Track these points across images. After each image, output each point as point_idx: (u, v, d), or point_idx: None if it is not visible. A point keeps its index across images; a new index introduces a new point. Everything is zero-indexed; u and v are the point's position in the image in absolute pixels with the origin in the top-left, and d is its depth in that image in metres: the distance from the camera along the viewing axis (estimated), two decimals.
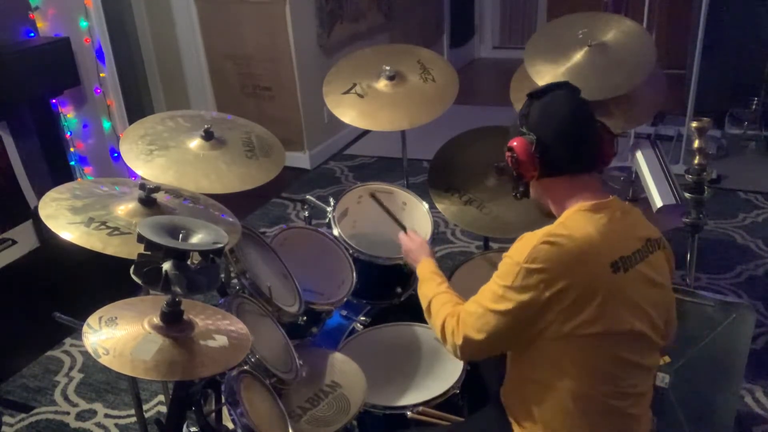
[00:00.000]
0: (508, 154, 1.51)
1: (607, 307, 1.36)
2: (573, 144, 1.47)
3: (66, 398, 2.65)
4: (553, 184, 1.50)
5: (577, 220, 1.42)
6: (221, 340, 1.33)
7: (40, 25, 3.43)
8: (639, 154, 2.44)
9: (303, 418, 1.68)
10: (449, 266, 2.47)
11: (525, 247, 1.39)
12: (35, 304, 2.72)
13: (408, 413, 1.80)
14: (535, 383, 1.46)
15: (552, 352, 1.40)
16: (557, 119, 1.47)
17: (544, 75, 2.40)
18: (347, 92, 2.54)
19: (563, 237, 1.37)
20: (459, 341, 1.46)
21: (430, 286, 1.67)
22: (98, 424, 2.51)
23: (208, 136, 1.92)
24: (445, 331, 1.51)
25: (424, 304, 1.64)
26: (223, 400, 1.44)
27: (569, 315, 1.36)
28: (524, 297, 1.37)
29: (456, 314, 1.50)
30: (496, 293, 1.41)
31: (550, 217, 1.53)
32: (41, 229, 3.25)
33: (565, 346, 1.39)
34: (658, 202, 2.19)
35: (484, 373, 1.92)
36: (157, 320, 1.29)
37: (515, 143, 1.48)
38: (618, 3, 5.29)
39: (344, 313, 2.26)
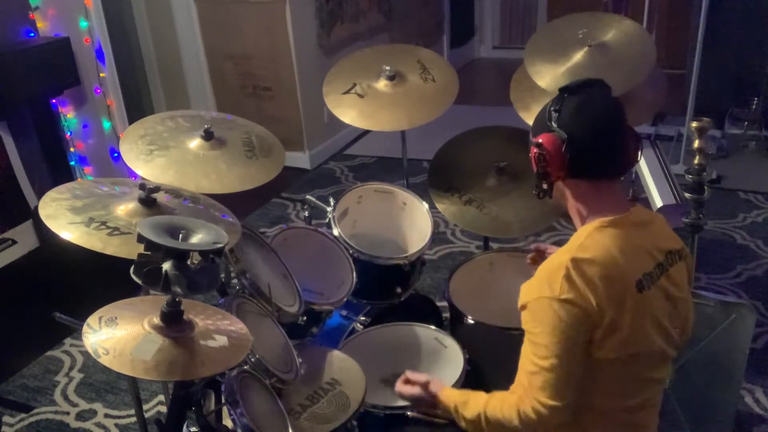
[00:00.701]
0: (535, 150, 1.42)
1: (636, 328, 1.33)
2: (606, 147, 1.39)
3: (66, 398, 2.65)
4: (578, 187, 1.42)
5: (597, 239, 1.36)
6: (221, 340, 1.33)
7: (40, 25, 3.43)
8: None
9: (302, 415, 1.68)
10: (449, 266, 2.47)
11: (551, 278, 1.31)
12: (35, 304, 2.72)
13: (408, 413, 1.80)
14: None
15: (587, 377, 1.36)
16: (592, 118, 1.39)
17: (544, 75, 2.40)
18: (347, 92, 2.54)
19: (587, 262, 1.32)
20: (547, 417, 1.33)
21: (469, 407, 1.49)
22: (98, 424, 2.51)
23: (208, 136, 1.92)
24: (522, 419, 1.36)
25: (478, 427, 1.47)
26: (223, 400, 1.44)
27: (604, 338, 1.31)
28: (571, 334, 1.30)
29: (522, 398, 1.36)
30: (542, 345, 1.32)
31: (566, 218, 1.50)
32: (41, 229, 3.25)
33: (591, 369, 1.35)
34: (658, 202, 2.20)
35: (486, 373, 1.92)
36: (157, 320, 1.28)
37: (544, 139, 1.39)
38: (618, 3, 5.30)
39: (344, 313, 2.26)
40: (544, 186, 1.46)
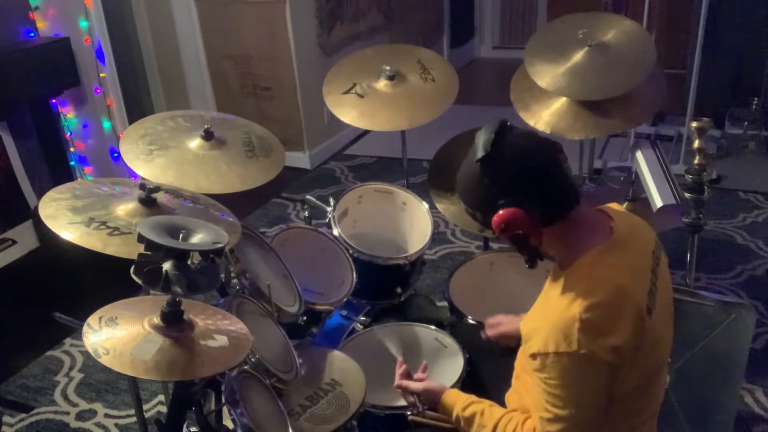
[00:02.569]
0: (504, 235, 1.32)
1: (652, 351, 1.30)
2: (557, 178, 1.31)
3: (66, 398, 2.65)
4: (557, 230, 1.33)
5: (599, 276, 1.27)
6: (221, 340, 1.33)
7: (40, 25, 3.43)
8: (639, 154, 2.43)
9: (302, 416, 1.68)
10: (449, 266, 2.47)
11: (566, 333, 1.23)
12: (35, 304, 2.72)
13: (408, 415, 1.80)
14: None
15: None
16: (532, 163, 1.30)
17: (544, 75, 2.40)
18: (347, 92, 2.54)
19: (600, 303, 1.24)
20: None
21: (477, 421, 1.47)
22: (98, 424, 2.51)
23: (208, 136, 1.92)
24: None
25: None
26: (223, 400, 1.44)
27: (627, 374, 1.28)
28: (593, 387, 1.27)
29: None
30: (561, 397, 1.27)
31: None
32: (41, 229, 3.26)
33: (616, 402, 1.32)
34: (658, 202, 2.19)
35: (485, 375, 1.92)
36: (157, 320, 1.29)
37: (505, 220, 1.29)
38: (618, 3, 5.30)
39: (344, 313, 2.26)
40: (533, 255, 1.38)
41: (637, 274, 1.32)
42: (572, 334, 1.23)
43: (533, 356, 1.29)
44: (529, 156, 1.30)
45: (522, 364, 1.53)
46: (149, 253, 1.24)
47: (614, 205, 1.46)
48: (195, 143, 1.92)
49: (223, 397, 1.45)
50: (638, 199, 2.67)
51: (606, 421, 1.33)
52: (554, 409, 1.29)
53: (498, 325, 1.81)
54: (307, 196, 2.43)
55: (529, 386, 1.45)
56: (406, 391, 1.68)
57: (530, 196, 1.29)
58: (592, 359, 1.23)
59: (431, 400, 1.61)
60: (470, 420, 1.48)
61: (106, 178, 1.81)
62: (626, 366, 1.27)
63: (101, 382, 2.72)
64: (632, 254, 1.34)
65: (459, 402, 1.53)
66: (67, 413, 2.57)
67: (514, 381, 1.60)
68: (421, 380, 1.68)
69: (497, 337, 1.80)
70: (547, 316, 1.30)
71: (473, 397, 1.53)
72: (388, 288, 2.25)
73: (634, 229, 1.39)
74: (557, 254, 1.38)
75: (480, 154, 1.30)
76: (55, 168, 3.52)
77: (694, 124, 2.07)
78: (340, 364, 1.87)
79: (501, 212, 1.29)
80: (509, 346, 1.74)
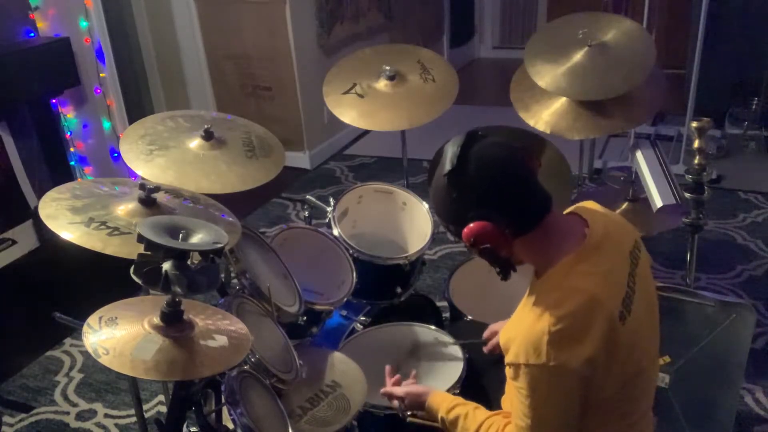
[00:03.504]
0: (473, 249, 1.32)
1: (629, 357, 1.30)
2: (527, 189, 1.30)
3: (66, 398, 2.65)
4: (529, 240, 1.32)
5: (569, 286, 1.27)
6: (221, 340, 1.33)
7: (40, 25, 3.43)
8: (639, 154, 2.44)
9: (303, 418, 1.68)
10: (449, 266, 2.47)
11: (535, 346, 1.23)
12: (35, 304, 2.73)
13: (408, 416, 1.80)
14: None
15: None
16: (499, 175, 1.29)
17: (544, 75, 2.40)
18: (347, 92, 2.54)
19: (569, 315, 1.23)
20: None
21: (461, 425, 1.48)
22: (98, 424, 2.51)
23: (208, 136, 1.92)
24: None
25: None
26: (223, 400, 1.44)
27: (601, 383, 1.28)
28: (567, 396, 1.27)
29: None
30: (533, 407, 1.27)
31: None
32: (41, 229, 3.26)
33: (589, 408, 1.31)
34: (658, 202, 2.19)
35: (485, 375, 1.92)
36: (157, 320, 1.28)
37: (474, 233, 1.28)
38: (618, 3, 5.30)
39: (344, 313, 2.26)
40: (507, 266, 1.39)
41: (611, 280, 1.30)
42: (541, 346, 1.23)
43: (508, 365, 1.30)
44: (495, 168, 1.29)
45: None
46: (149, 253, 1.24)
47: (590, 204, 1.44)
48: (195, 143, 1.92)
49: (223, 397, 1.45)
50: (638, 199, 2.68)
51: (595, 425, 1.34)
52: (527, 419, 1.30)
53: (493, 334, 1.82)
54: (307, 196, 2.44)
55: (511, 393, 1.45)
56: (391, 398, 1.68)
57: (498, 209, 1.28)
58: (562, 370, 1.23)
59: (416, 402, 1.61)
60: (454, 422, 1.49)
61: (106, 178, 1.81)
62: (599, 374, 1.26)
63: (101, 382, 2.72)
64: (606, 259, 1.32)
65: (444, 404, 1.53)
66: (67, 413, 2.57)
67: (507, 386, 1.60)
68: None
69: (495, 347, 1.80)
70: (520, 326, 1.30)
71: (459, 399, 1.54)
72: (388, 288, 2.25)
73: (610, 230, 1.37)
74: (532, 263, 1.38)
75: (447, 168, 1.29)
76: (55, 168, 3.52)
77: (694, 124, 2.07)
78: (340, 365, 1.87)
79: (470, 226, 1.29)
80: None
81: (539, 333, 1.23)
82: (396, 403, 1.66)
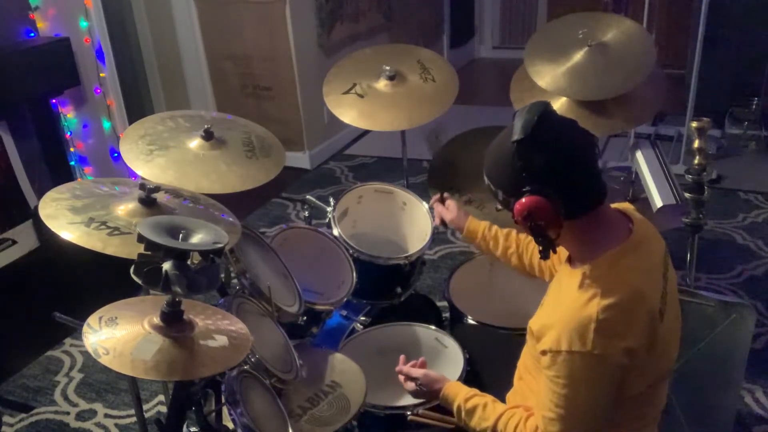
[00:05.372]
0: (523, 223, 1.29)
1: (663, 355, 1.31)
2: (588, 176, 1.28)
3: (66, 398, 2.65)
4: (577, 227, 1.30)
5: (617, 276, 1.26)
6: (221, 340, 1.33)
7: (40, 25, 3.43)
8: (639, 154, 2.44)
9: (303, 417, 1.68)
10: (449, 266, 2.47)
11: (581, 332, 1.23)
12: (35, 304, 2.72)
13: (408, 415, 1.80)
14: None
15: None
16: (568, 156, 1.26)
17: (544, 75, 2.40)
18: (347, 92, 2.54)
19: (617, 305, 1.23)
20: None
21: (476, 419, 1.48)
22: (98, 424, 2.51)
23: (208, 136, 1.92)
24: None
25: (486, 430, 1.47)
26: (223, 400, 1.44)
27: (636, 377, 1.29)
28: (602, 386, 1.27)
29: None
30: (568, 396, 1.27)
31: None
32: (41, 229, 3.25)
33: (620, 404, 1.32)
34: (658, 202, 2.19)
35: (485, 375, 1.92)
36: (157, 320, 1.28)
37: (529, 206, 1.25)
38: (618, 3, 5.29)
39: (344, 313, 2.26)
40: (548, 247, 1.34)
41: (652, 277, 1.32)
42: (587, 333, 1.22)
43: (544, 352, 1.29)
44: (566, 147, 1.26)
45: (526, 364, 1.52)
46: (149, 253, 1.24)
47: (628, 206, 1.45)
48: (195, 143, 1.92)
49: (223, 397, 1.45)
50: (638, 199, 2.68)
51: (609, 425, 1.34)
52: (558, 409, 1.28)
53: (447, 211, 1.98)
54: (307, 196, 2.43)
55: (534, 387, 1.45)
56: (407, 377, 1.66)
57: (559, 188, 1.25)
58: (605, 360, 1.23)
59: (431, 388, 1.61)
60: (471, 412, 1.48)
61: (106, 178, 1.81)
62: (636, 369, 1.27)
63: (101, 382, 2.72)
64: (647, 257, 1.33)
65: (461, 393, 1.53)
66: (67, 413, 2.57)
67: (516, 381, 1.59)
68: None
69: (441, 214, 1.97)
70: (561, 313, 1.29)
71: (476, 391, 1.53)
72: (388, 288, 2.25)
73: (648, 233, 1.39)
74: (573, 249, 1.36)
75: (518, 135, 1.24)
76: (55, 168, 3.51)
77: (694, 124, 2.07)
78: (340, 365, 1.87)
79: (525, 199, 1.26)
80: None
81: (586, 320, 1.23)
82: (409, 384, 1.65)
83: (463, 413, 1.50)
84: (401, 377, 1.69)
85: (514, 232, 1.86)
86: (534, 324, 1.36)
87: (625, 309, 1.24)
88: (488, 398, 1.50)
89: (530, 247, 1.80)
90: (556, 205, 1.25)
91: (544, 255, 1.35)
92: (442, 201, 2.09)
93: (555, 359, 1.26)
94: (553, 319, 1.29)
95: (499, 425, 1.42)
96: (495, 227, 1.90)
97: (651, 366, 1.29)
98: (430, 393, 1.62)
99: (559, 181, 1.25)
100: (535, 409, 1.38)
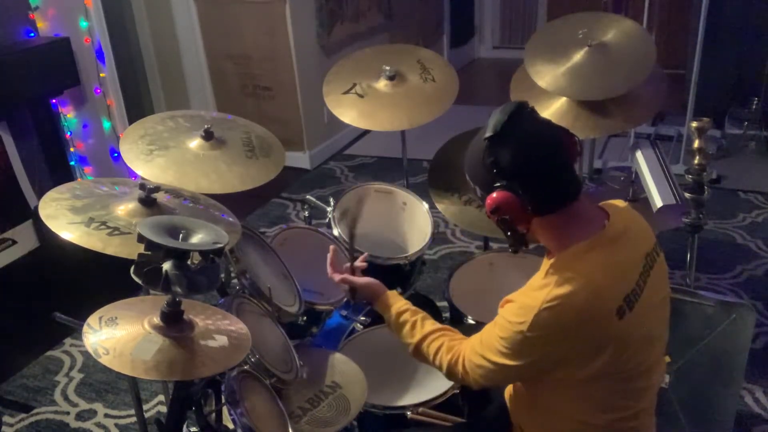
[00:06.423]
0: (492, 217, 1.33)
1: (618, 354, 1.31)
2: (559, 172, 1.31)
3: (66, 398, 2.65)
4: (548, 222, 1.34)
5: (578, 268, 1.29)
6: (221, 340, 1.33)
7: (40, 25, 3.43)
8: (639, 154, 2.43)
9: (303, 418, 1.68)
10: (449, 266, 2.47)
11: (525, 311, 1.28)
12: (35, 304, 2.72)
13: (408, 413, 1.80)
14: (543, 404, 1.44)
15: (561, 386, 1.37)
16: (536, 153, 1.30)
17: (544, 75, 2.40)
18: (347, 92, 2.54)
19: (564, 298, 1.26)
20: (475, 387, 1.46)
21: (405, 330, 1.55)
22: (98, 424, 2.51)
23: (208, 136, 1.92)
24: (450, 371, 1.47)
25: (408, 348, 1.55)
26: (223, 400, 1.44)
27: (579, 367, 1.31)
28: (528, 360, 1.32)
29: (459, 360, 1.45)
30: (498, 350, 1.34)
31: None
32: (41, 229, 3.25)
33: (576, 386, 1.35)
34: (658, 202, 2.19)
35: None
36: (157, 320, 1.29)
37: (498, 201, 1.30)
38: (618, 3, 5.30)
39: (344, 313, 2.26)
40: (519, 241, 1.39)
41: (618, 274, 1.32)
42: (528, 315, 1.27)
43: (499, 312, 1.38)
44: (536, 146, 1.30)
45: None
46: (149, 253, 1.24)
47: (618, 202, 1.45)
48: (195, 143, 1.92)
49: (223, 397, 1.45)
50: (638, 199, 2.68)
51: (576, 410, 1.38)
52: (490, 354, 1.36)
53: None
54: (307, 196, 2.44)
55: (530, 387, 1.48)
56: (344, 282, 1.67)
57: (527, 185, 1.29)
58: (537, 342, 1.29)
59: (369, 296, 1.64)
60: (401, 325, 1.55)
61: (106, 178, 1.81)
62: (577, 358, 1.30)
63: (101, 382, 2.72)
64: (619, 252, 1.33)
65: (397, 304, 1.59)
66: (67, 413, 2.57)
67: (515, 387, 1.60)
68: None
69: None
70: (522, 292, 1.36)
71: (410, 305, 1.59)
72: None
73: (630, 228, 1.38)
74: (546, 243, 1.39)
75: (488, 132, 1.29)
76: (55, 168, 3.51)
77: (694, 124, 2.07)
78: (341, 366, 1.87)
79: (495, 194, 1.30)
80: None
81: (532, 303, 1.28)
82: (346, 288, 1.67)
83: (392, 324, 1.57)
84: (334, 274, 1.70)
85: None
86: (501, 302, 1.42)
87: (570, 304, 1.27)
88: (419, 316, 1.56)
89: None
90: (524, 201, 1.29)
91: (514, 249, 1.41)
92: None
93: (503, 321, 1.34)
94: (516, 295, 1.37)
95: (423, 345, 1.51)
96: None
97: (599, 361, 1.30)
98: (369, 298, 1.65)
99: (526, 178, 1.29)
100: (470, 338, 1.45)
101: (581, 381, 1.33)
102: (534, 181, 1.30)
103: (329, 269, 1.72)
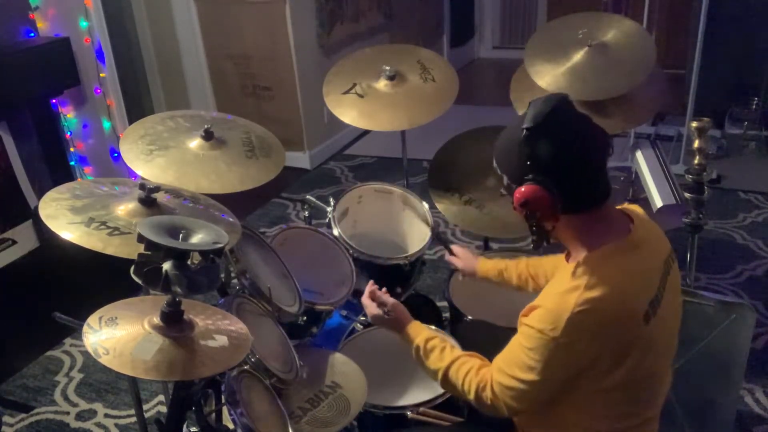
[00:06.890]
0: (520, 210, 1.31)
1: (642, 359, 1.31)
2: (594, 173, 1.28)
3: (66, 398, 2.65)
4: (575, 222, 1.32)
5: (605, 273, 1.27)
6: (221, 340, 1.33)
7: (40, 25, 3.43)
8: (639, 154, 2.44)
9: (303, 418, 1.68)
10: (449, 266, 2.46)
11: (555, 317, 1.25)
12: (35, 304, 2.72)
13: (408, 413, 1.80)
14: (551, 412, 1.42)
15: (575, 394, 1.35)
16: (576, 150, 1.26)
17: (544, 75, 2.40)
18: (347, 92, 2.54)
19: (596, 301, 1.24)
20: (504, 412, 1.39)
21: (432, 358, 1.52)
22: (98, 424, 2.51)
23: (208, 136, 1.92)
24: (479, 398, 1.42)
25: (436, 375, 1.51)
26: (223, 400, 1.44)
27: (605, 375, 1.30)
28: (559, 372, 1.30)
29: (487, 384, 1.40)
30: (528, 364, 1.30)
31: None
32: (41, 229, 3.26)
33: (592, 394, 1.33)
34: (658, 202, 2.19)
35: None
36: (157, 320, 1.28)
37: (528, 194, 1.26)
38: (618, 3, 5.30)
39: (344, 313, 2.26)
40: (541, 237, 1.36)
41: (643, 280, 1.31)
42: (560, 321, 1.24)
43: (523, 324, 1.33)
44: (575, 143, 1.27)
45: None
46: (149, 253, 1.24)
47: (635, 207, 1.45)
48: (195, 143, 1.92)
49: (223, 397, 1.45)
50: (638, 199, 2.68)
51: (590, 418, 1.36)
52: (518, 372, 1.32)
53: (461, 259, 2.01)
54: (307, 196, 2.43)
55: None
56: (378, 302, 1.67)
57: (560, 181, 1.26)
58: (569, 348, 1.26)
59: (398, 318, 1.63)
60: (429, 352, 1.52)
61: (106, 178, 1.81)
62: (605, 364, 1.28)
63: (101, 382, 2.72)
64: (642, 259, 1.33)
65: (424, 333, 1.57)
66: (67, 413, 2.57)
67: None
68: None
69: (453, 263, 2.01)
70: (547, 294, 1.32)
71: (437, 334, 1.58)
72: (389, 288, 2.23)
73: (650, 235, 1.38)
74: (569, 244, 1.37)
75: (528, 123, 1.26)
76: (55, 168, 3.51)
77: (694, 124, 2.07)
78: (341, 366, 1.87)
79: (525, 187, 1.27)
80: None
81: (563, 307, 1.25)
82: (373, 308, 1.67)
83: (421, 352, 1.54)
84: (367, 300, 1.70)
85: (523, 258, 1.86)
86: (523, 311, 1.39)
87: (602, 308, 1.25)
88: (447, 343, 1.54)
89: (543, 266, 1.80)
90: (555, 197, 1.26)
91: (536, 245, 1.37)
92: (451, 252, 2.07)
93: (529, 331, 1.30)
94: (540, 300, 1.32)
95: (451, 368, 1.47)
96: (505, 261, 1.89)
97: (624, 366, 1.29)
98: (391, 322, 1.64)
99: (561, 175, 1.26)
100: (495, 360, 1.41)
101: (599, 390, 1.32)
102: (570, 178, 1.27)
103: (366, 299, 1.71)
